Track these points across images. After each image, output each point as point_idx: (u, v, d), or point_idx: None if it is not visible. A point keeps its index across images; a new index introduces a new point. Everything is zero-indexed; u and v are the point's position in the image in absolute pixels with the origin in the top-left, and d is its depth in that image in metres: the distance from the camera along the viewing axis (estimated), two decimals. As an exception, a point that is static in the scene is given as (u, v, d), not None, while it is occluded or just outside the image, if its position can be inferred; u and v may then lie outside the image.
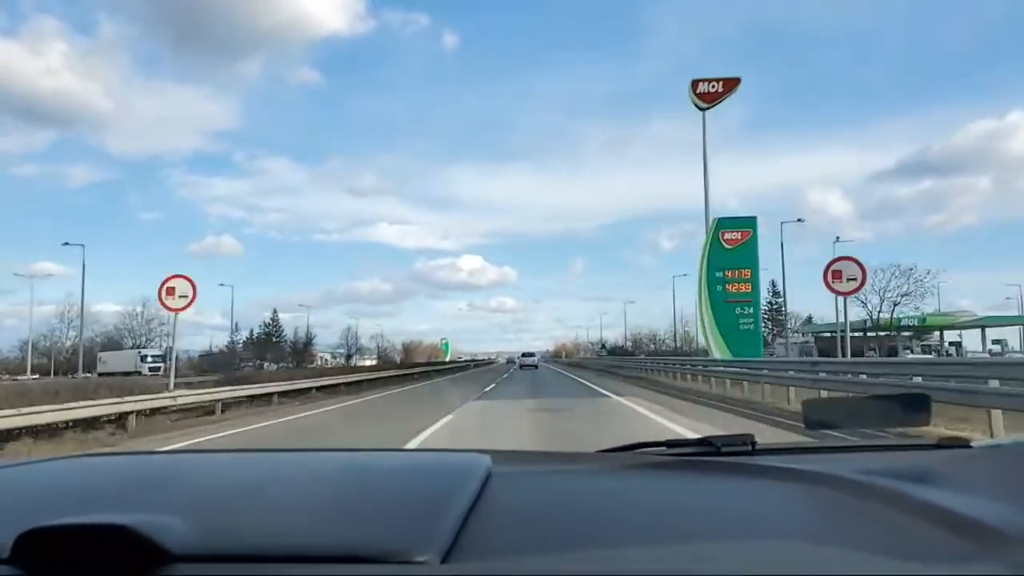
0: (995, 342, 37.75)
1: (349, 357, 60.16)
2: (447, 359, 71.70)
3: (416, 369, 32.86)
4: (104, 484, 0.97)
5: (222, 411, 12.82)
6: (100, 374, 36.25)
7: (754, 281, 21.72)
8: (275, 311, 61.17)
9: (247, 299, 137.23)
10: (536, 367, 47.32)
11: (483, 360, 65.21)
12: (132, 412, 10.33)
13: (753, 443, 1.17)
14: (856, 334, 31.01)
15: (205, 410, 12.66)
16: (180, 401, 12.14)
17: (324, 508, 0.80)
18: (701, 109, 22.76)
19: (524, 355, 55.80)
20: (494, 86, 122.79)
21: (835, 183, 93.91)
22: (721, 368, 16.07)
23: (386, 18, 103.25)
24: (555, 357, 75.75)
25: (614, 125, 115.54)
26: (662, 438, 1.26)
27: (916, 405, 1.24)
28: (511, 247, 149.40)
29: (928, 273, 35.89)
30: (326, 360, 65.75)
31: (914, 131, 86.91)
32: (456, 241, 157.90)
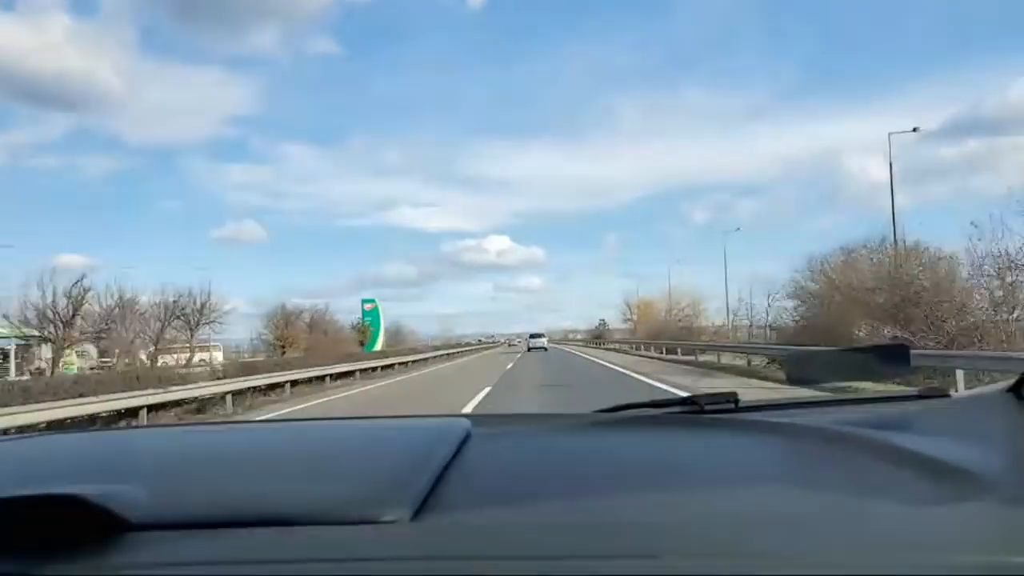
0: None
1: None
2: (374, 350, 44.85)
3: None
4: (62, 459, 1.07)
5: None
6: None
7: None
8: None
9: (270, 287, 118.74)
10: (546, 349, 46.31)
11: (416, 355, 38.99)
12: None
13: (736, 401, 1.30)
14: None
15: None
16: None
17: (292, 473, 0.84)
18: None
19: (532, 336, 51.39)
20: (519, 57, 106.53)
21: (873, 148, 76.28)
22: None
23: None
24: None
25: (643, 96, 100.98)
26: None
27: (895, 356, 1.39)
28: (538, 226, 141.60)
29: None
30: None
31: (954, 92, 69.41)
32: (482, 221, 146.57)
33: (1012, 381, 1.09)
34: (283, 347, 37.68)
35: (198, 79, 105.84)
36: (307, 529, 0.62)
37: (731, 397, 1.29)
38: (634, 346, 41.97)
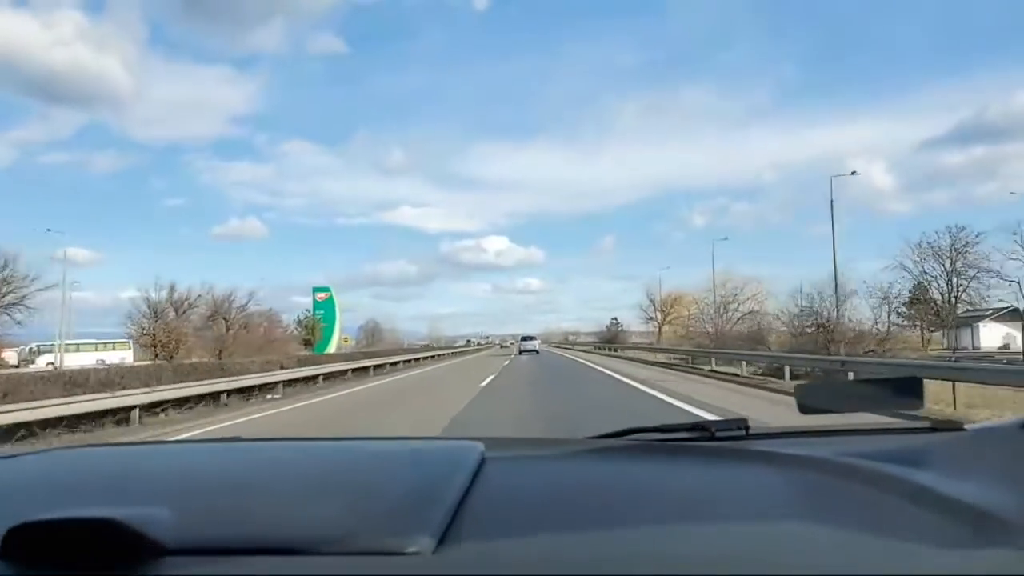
0: None
1: None
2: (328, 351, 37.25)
3: None
4: (94, 476, 1.13)
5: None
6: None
7: None
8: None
9: (270, 284, 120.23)
10: (537, 352, 47.14)
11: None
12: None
13: (747, 427, 1.36)
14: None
15: None
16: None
17: (315, 499, 0.91)
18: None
19: (524, 339, 52.13)
20: (518, 58, 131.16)
21: (877, 153, 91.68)
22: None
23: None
24: None
25: (642, 97, 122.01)
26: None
27: (909, 388, 1.42)
28: (537, 226, 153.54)
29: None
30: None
31: (965, 96, 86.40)
32: (481, 222, 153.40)
33: None
34: (155, 348, 25.58)
35: (203, 77, 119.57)
36: (335, 559, 0.66)
37: (741, 423, 1.37)
38: (683, 357, 28.68)
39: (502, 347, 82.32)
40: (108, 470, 1.16)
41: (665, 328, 57.94)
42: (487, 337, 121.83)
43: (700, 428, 1.37)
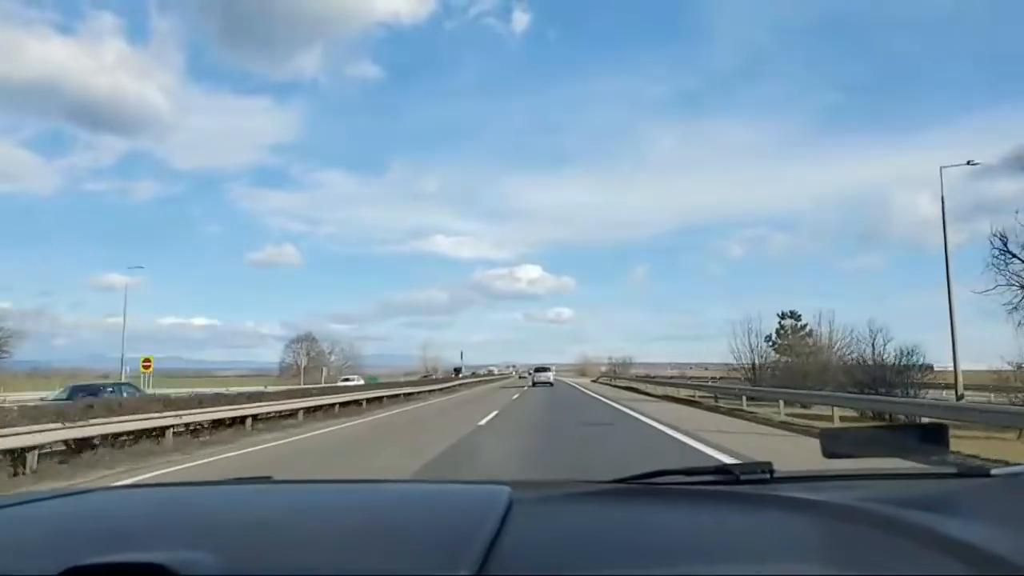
0: None
1: None
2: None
3: None
4: (139, 518, 1.28)
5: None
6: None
7: None
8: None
9: (303, 310, 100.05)
10: (552, 384, 51.89)
11: None
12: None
13: (771, 471, 1.48)
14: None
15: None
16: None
17: (352, 539, 1.03)
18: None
19: (537, 370, 54.73)
20: (553, 88, 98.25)
21: (920, 183, 61.71)
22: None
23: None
24: None
25: (677, 127, 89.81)
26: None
27: (934, 435, 1.47)
28: (570, 256, 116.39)
29: None
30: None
31: (1009, 125, 72.62)
32: (513, 251, 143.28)
33: None
34: None
35: (243, 106, 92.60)
36: None
37: (766, 467, 1.44)
38: None
39: (520, 377, 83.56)
40: (152, 511, 1.32)
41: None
42: (513, 365, 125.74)
43: (725, 472, 1.47)
